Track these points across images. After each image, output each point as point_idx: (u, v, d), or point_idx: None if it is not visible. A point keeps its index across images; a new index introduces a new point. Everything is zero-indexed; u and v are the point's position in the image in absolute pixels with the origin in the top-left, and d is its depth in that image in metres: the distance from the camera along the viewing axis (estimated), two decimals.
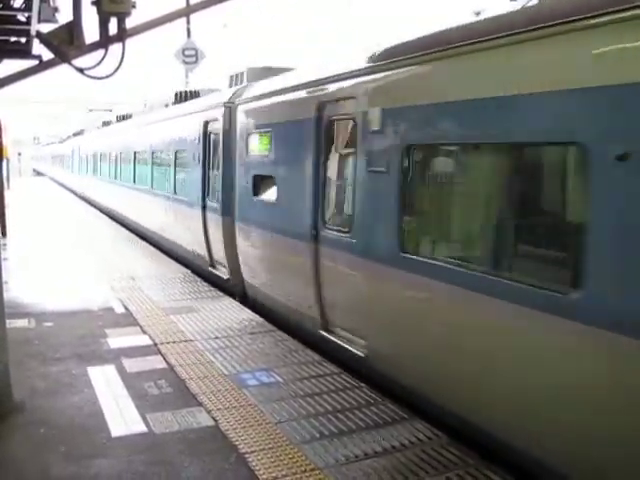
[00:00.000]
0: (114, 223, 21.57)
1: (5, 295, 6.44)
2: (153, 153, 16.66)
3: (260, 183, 9.73)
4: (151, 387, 6.63)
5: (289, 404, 6.20)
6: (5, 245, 15.98)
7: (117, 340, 8.21)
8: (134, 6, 4.97)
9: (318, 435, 5.55)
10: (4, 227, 17.45)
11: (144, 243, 16.85)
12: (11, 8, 4.87)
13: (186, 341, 8.16)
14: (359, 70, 7.05)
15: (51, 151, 56.70)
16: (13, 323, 8.36)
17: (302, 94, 8.43)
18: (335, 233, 7.56)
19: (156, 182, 16.37)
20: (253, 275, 10.35)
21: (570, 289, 4.37)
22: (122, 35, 5.04)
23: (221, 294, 10.88)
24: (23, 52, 5.64)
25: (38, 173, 70.81)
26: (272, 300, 9.66)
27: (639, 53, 3.93)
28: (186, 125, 13.55)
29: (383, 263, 6.51)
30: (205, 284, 11.70)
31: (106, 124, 28.93)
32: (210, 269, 12.32)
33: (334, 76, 7.65)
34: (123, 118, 24.18)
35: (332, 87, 7.66)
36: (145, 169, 17.54)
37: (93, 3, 4.93)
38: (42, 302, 10.30)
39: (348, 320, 7.43)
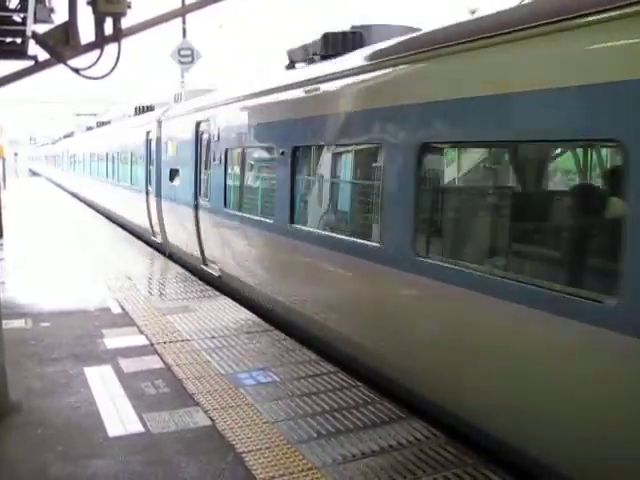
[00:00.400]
0: (111, 223, 21.58)
1: (1, 295, 6.47)
2: (117, 153, 21.54)
3: (172, 174, 14.48)
4: (148, 387, 6.63)
5: (286, 403, 6.21)
6: (1, 245, 15.97)
7: (114, 340, 8.21)
8: (129, 6, 4.97)
9: (315, 434, 5.55)
10: (0, 227, 17.43)
11: (140, 244, 16.87)
12: (7, 9, 4.87)
13: (183, 341, 8.16)
14: (207, 105, 12.27)
15: (45, 152, 60.63)
16: (10, 323, 8.34)
17: (188, 116, 13.33)
18: (203, 201, 12.21)
19: (119, 176, 21.10)
20: (171, 236, 14.79)
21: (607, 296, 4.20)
22: (118, 35, 5.03)
23: (218, 294, 10.88)
24: (19, 53, 5.64)
25: (34, 173, 70.90)
26: (180, 251, 14.04)
27: None
28: (136, 133, 18.06)
29: (218, 215, 11.24)
30: (201, 283, 11.71)
31: (89, 129, 33.54)
32: (152, 237, 16.50)
33: (200, 107, 12.71)
34: (102, 124, 29.47)
35: (200, 114, 12.54)
36: (112, 166, 22.46)
37: (89, 3, 4.93)
38: (39, 302, 10.29)
39: (211, 256, 11.89)
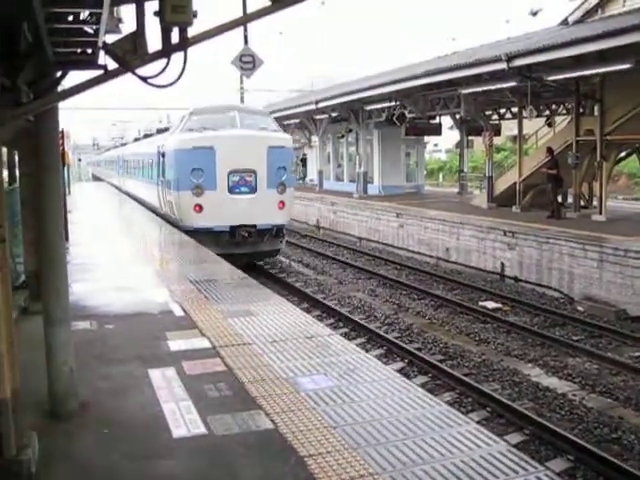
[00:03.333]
0: (169, 227, 21.98)
1: (69, 298, 6.61)
2: (143, 160, 28.81)
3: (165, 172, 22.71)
4: (211, 389, 6.71)
5: (347, 408, 6.21)
6: (67, 249, 16.38)
7: (177, 343, 8.33)
8: (195, 15, 5.04)
9: (375, 440, 5.55)
10: (66, 231, 17.89)
11: (200, 247, 17.11)
12: (81, 21, 5.01)
13: (244, 344, 8.24)
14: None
15: (104, 157, 66.30)
16: (76, 325, 8.54)
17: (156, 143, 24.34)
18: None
19: (146, 175, 27.88)
20: (169, 209, 22.11)
21: None
22: (184, 44, 5.12)
23: (281, 298, 10.96)
24: (89, 63, 5.81)
25: (97, 178, 73.02)
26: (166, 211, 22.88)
27: None
28: (154, 146, 24.59)
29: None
30: (262, 287, 11.81)
31: (136, 140, 42.54)
32: (160, 212, 23.87)
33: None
34: (145, 136, 37.77)
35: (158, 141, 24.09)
36: (141, 168, 29.82)
37: (156, 13, 5.02)
38: (103, 305, 10.52)
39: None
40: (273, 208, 19.74)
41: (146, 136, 36.37)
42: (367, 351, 10.09)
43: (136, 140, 40.29)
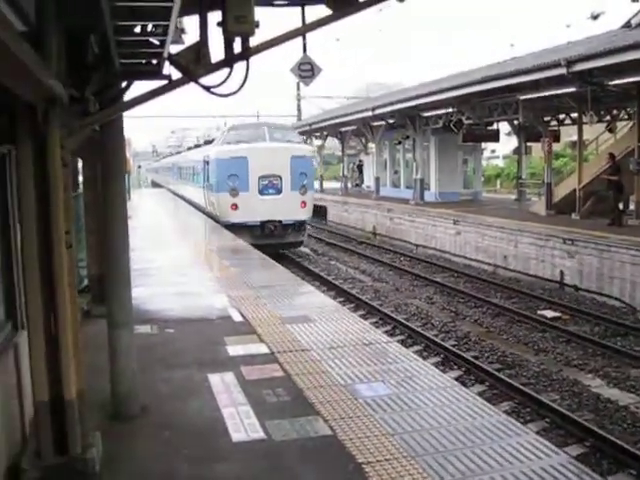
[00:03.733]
0: (225, 232, 22.25)
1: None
2: (192, 167, 33.70)
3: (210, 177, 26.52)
4: (269, 395, 6.77)
5: (405, 415, 6.20)
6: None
7: (235, 348, 8.42)
8: (257, 26, 5.11)
9: (434, 448, 5.53)
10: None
11: (257, 255, 17.27)
12: (148, 33, 5.14)
13: (302, 350, 8.29)
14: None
15: (161, 165, 70.69)
16: (137, 329, 8.67)
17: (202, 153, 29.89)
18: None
19: (194, 179, 33.03)
20: (212, 208, 26.10)
21: None
22: (246, 54, 5.20)
23: (338, 305, 10.99)
24: (154, 73, 5.94)
25: (156, 184, 74.44)
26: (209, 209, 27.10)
27: None
28: (200, 155, 29.43)
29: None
30: (319, 294, 11.86)
31: (189, 149, 46.74)
32: (205, 210, 27.98)
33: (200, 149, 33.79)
34: (195, 146, 42.43)
35: (204, 151, 29.53)
36: (191, 174, 35.06)
37: (218, 24, 5.11)
38: (163, 309, 10.71)
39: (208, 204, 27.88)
40: (296, 207, 23.99)
41: (196, 146, 41.40)
42: (424, 359, 10.03)
43: (188, 149, 46.02)
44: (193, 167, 33.24)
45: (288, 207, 23.75)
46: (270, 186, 23.75)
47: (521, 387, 10.82)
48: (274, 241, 23.35)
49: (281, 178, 23.81)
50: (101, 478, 5.09)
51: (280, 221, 23.51)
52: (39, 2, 4.27)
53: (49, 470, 4.83)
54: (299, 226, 24.32)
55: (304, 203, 24.31)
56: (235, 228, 22.95)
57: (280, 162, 23.79)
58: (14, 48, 3.02)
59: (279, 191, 23.85)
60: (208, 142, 32.95)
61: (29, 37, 3.94)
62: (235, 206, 23.65)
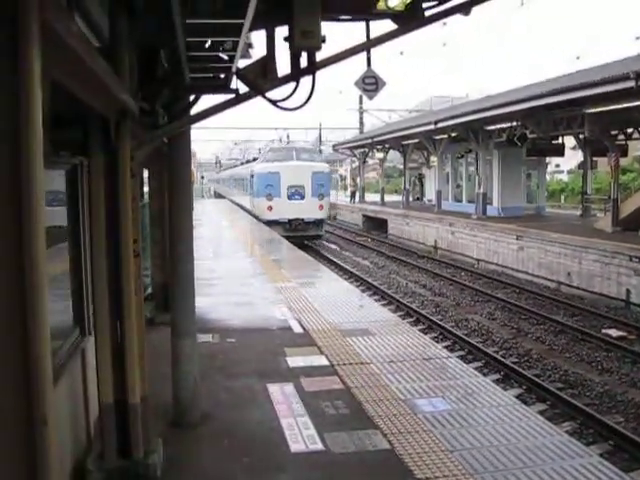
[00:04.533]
0: (287, 243, 22.40)
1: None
2: (243, 179, 43.53)
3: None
4: (328, 407, 6.79)
5: (464, 432, 6.15)
6: None
7: (295, 359, 8.47)
8: (324, 40, 5.16)
9: (494, 467, 5.46)
10: None
11: (319, 267, 17.33)
12: (218, 49, 5.26)
13: (362, 363, 8.29)
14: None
15: (220, 176, 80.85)
16: (199, 338, 8.82)
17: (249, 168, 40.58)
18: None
19: (243, 189, 43.30)
20: (253, 208, 36.18)
21: None
22: (312, 68, 5.25)
23: (398, 318, 10.95)
24: (223, 87, 6.07)
25: (219, 195, 75.95)
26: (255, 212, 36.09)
27: None
28: (248, 170, 38.98)
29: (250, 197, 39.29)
30: (379, 307, 11.83)
31: (242, 164, 56.24)
32: (251, 212, 36.62)
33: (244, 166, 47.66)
34: (247, 162, 51.01)
35: (250, 167, 40.26)
36: (241, 184, 45.90)
37: (285, 39, 5.18)
38: (225, 319, 10.84)
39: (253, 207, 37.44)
40: (315, 209, 32.04)
41: (247, 161, 52.02)
42: (484, 375, 9.91)
43: (241, 164, 57.88)
44: (243, 179, 44.72)
45: (309, 209, 31.87)
46: (296, 193, 32.17)
47: (584, 407, 10.59)
48: (299, 234, 31.10)
49: (304, 187, 32.08)
50: None
51: (303, 219, 31.74)
52: (113, 20, 4.41)
53: (112, 472, 4.95)
54: (318, 223, 32.47)
55: (321, 206, 32.38)
56: (270, 224, 31.12)
57: (304, 176, 32.27)
58: (90, 63, 3.13)
59: (302, 197, 32.18)
60: (255, 159, 43.29)
61: (103, 52, 4.07)
62: (270, 208, 32.14)
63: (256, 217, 34.45)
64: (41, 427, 2.10)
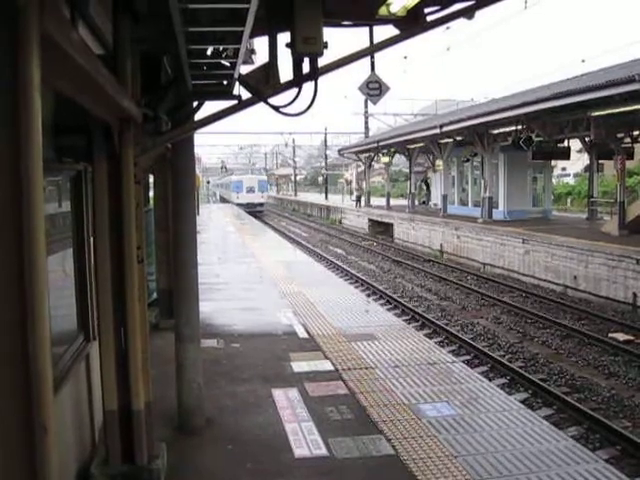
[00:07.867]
0: (291, 247, 22.39)
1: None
2: (229, 184, 74.81)
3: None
4: (332, 412, 6.79)
5: (469, 437, 6.14)
6: None
7: (300, 364, 8.48)
8: (326, 46, 5.16)
9: (498, 472, 5.45)
10: None
11: (323, 270, 17.33)
12: (220, 56, 5.27)
13: (366, 368, 8.29)
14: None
15: (222, 181, 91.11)
16: (204, 343, 8.83)
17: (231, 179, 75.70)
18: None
19: (231, 188, 71.85)
20: (232, 198, 69.82)
21: None
22: (315, 74, 5.26)
23: (403, 323, 10.94)
24: (225, 93, 6.09)
25: (224, 200, 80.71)
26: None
27: None
28: (233, 179, 73.46)
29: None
30: (384, 312, 11.81)
31: (232, 174, 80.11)
32: (230, 200, 71.16)
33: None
34: (242, 173, 78.66)
35: (232, 178, 74.13)
36: (230, 186, 73.94)
37: (287, 45, 5.18)
38: (229, 324, 10.84)
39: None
40: (259, 198, 64.73)
41: (234, 174, 77.55)
42: (490, 380, 9.89)
43: (232, 174, 80.00)
44: (229, 184, 72.46)
45: (257, 197, 63.67)
46: (250, 190, 64.12)
47: (590, 412, 10.55)
48: (251, 210, 57.10)
49: (254, 188, 64.32)
50: None
51: (254, 202, 62.27)
52: (116, 27, 4.44)
53: (116, 477, 4.96)
54: (261, 205, 63.87)
55: (262, 196, 65.22)
56: (240, 205, 59.67)
57: (254, 182, 65.60)
58: (92, 71, 3.15)
59: (254, 192, 64.14)
60: (237, 174, 75.31)
61: (106, 60, 4.09)
62: (237, 197, 64.24)
63: (231, 202, 66.19)
64: (41, 434, 2.11)
